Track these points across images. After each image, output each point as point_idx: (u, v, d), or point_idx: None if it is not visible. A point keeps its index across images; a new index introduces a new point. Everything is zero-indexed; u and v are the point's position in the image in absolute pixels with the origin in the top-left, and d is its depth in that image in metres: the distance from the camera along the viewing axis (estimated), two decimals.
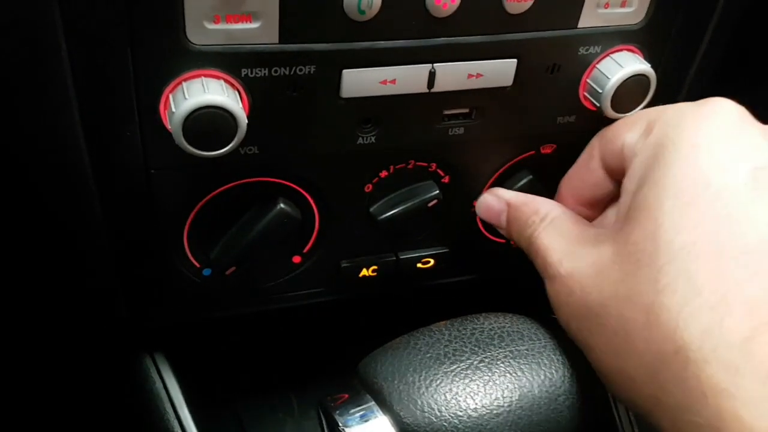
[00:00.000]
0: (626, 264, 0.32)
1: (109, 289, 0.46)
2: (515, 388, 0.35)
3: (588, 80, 0.43)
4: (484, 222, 0.51)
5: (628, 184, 0.36)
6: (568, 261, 0.36)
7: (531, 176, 0.48)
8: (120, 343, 0.53)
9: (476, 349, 0.36)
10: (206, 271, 0.46)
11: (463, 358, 0.35)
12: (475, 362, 0.35)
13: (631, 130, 0.39)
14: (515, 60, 0.41)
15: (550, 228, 0.39)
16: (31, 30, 0.34)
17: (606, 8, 0.41)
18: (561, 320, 0.36)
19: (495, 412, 0.33)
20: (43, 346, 0.61)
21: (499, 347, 0.36)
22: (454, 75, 0.40)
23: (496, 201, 0.45)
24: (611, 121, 0.43)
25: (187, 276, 0.45)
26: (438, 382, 0.35)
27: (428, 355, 0.36)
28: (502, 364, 0.35)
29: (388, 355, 0.37)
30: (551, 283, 0.37)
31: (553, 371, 0.36)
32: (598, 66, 0.42)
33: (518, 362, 0.35)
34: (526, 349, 0.36)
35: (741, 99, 0.37)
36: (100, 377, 0.61)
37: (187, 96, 0.35)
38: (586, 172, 0.43)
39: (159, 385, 0.50)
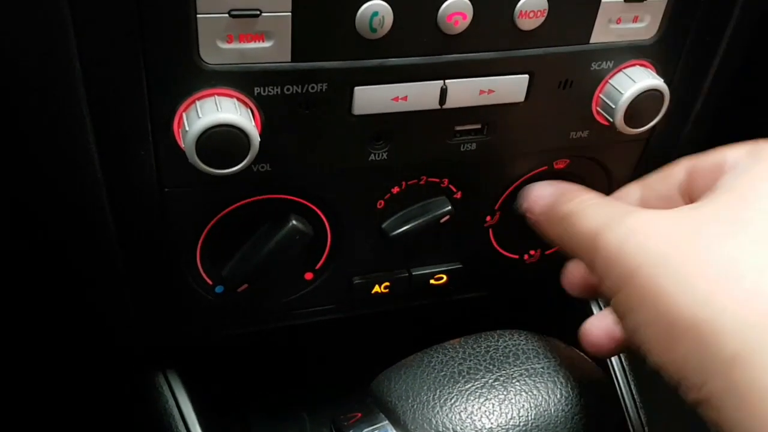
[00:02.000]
0: (730, 222, 0.31)
1: (122, 306, 0.46)
2: (531, 407, 0.34)
3: (601, 95, 0.43)
4: (497, 237, 0.51)
5: (724, 180, 0.34)
6: (638, 216, 0.34)
7: None
8: (132, 360, 0.53)
9: (491, 367, 0.36)
10: (219, 289, 0.46)
11: (478, 376, 0.35)
12: (490, 381, 0.35)
13: (733, 151, 0.37)
14: (527, 76, 0.41)
15: (601, 203, 0.37)
16: (45, 51, 0.34)
17: (618, 23, 0.41)
18: (623, 269, 0.32)
19: (511, 431, 0.33)
20: (56, 365, 0.61)
21: (515, 365, 0.36)
22: (465, 91, 0.40)
23: (544, 186, 0.43)
24: (624, 136, 0.43)
25: (199, 293, 0.45)
26: (453, 400, 0.34)
27: (442, 373, 0.36)
28: (517, 383, 0.35)
29: (402, 373, 0.37)
30: (613, 232, 0.33)
31: (569, 389, 0.35)
32: (610, 81, 0.42)
33: (534, 381, 0.35)
34: (542, 368, 0.36)
35: (756, 113, 0.37)
36: (113, 395, 0.61)
37: (200, 114, 0.35)
38: (660, 180, 0.41)
39: (171, 402, 0.50)
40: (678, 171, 0.40)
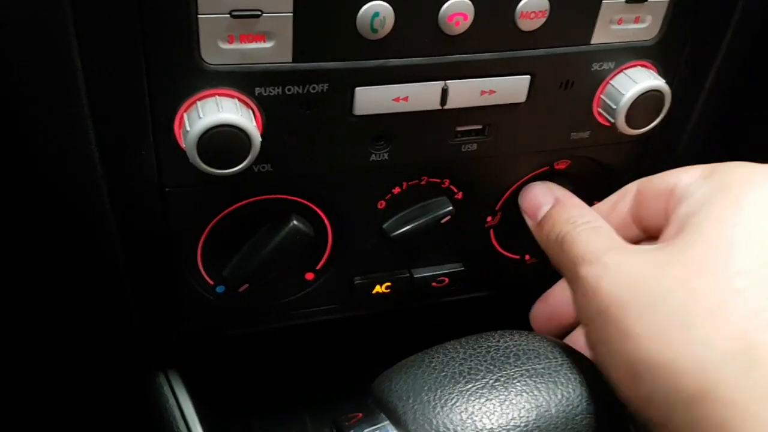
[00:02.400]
0: (692, 266, 0.32)
1: (123, 306, 0.46)
2: (532, 407, 0.34)
3: (602, 96, 0.43)
4: (498, 238, 0.51)
5: (682, 210, 0.35)
6: (616, 254, 0.35)
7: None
8: (134, 360, 0.53)
9: (492, 367, 0.35)
10: (220, 289, 0.46)
11: (479, 376, 0.35)
12: (491, 381, 0.35)
13: (686, 173, 0.37)
14: (528, 76, 0.41)
15: (592, 231, 0.38)
16: (46, 51, 0.34)
17: (619, 24, 0.41)
18: (596, 304, 0.34)
19: None
20: (57, 365, 0.61)
21: (515, 366, 0.35)
22: (466, 92, 0.40)
23: (545, 192, 0.44)
24: (625, 136, 0.43)
25: (200, 293, 0.45)
26: (453, 401, 0.34)
27: (443, 373, 0.36)
28: (518, 383, 0.35)
29: (403, 374, 0.37)
30: (592, 267, 0.35)
31: (570, 390, 0.35)
32: (611, 82, 0.42)
33: (535, 381, 0.35)
34: (543, 368, 0.35)
35: (757, 114, 0.37)
36: (114, 395, 0.61)
37: (201, 115, 0.35)
38: (610, 211, 0.42)
39: (172, 402, 0.50)
40: (629, 194, 0.42)
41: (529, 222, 0.45)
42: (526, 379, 0.35)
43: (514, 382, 0.35)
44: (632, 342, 0.32)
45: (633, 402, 0.33)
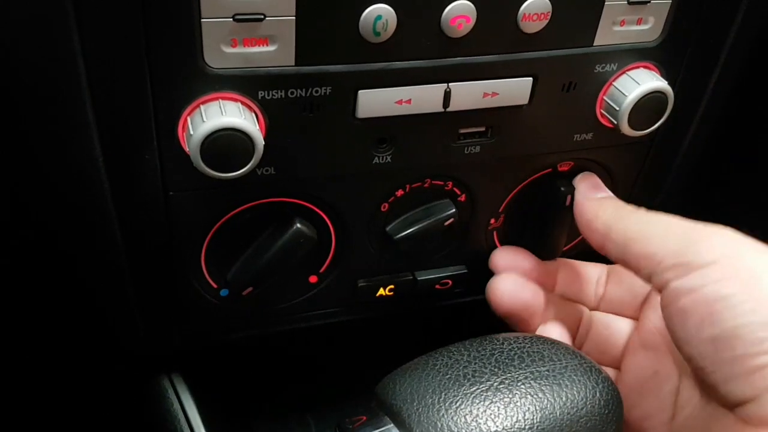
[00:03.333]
0: None
1: (127, 310, 0.46)
2: (537, 410, 0.34)
3: (605, 98, 0.43)
4: (501, 240, 0.51)
5: None
6: None
7: None
8: (138, 363, 0.53)
9: (496, 370, 0.35)
10: (223, 292, 0.46)
11: (483, 379, 0.35)
12: (496, 383, 0.35)
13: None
14: (531, 78, 0.41)
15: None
16: (50, 56, 0.35)
17: (622, 26, 0.41)
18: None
19: None
20: (61, 369, 0.61)
21: (520, 368, 0.35)
22: (469, 94, 0.40)
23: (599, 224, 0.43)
24: (628, 138, 0.43)
25: (204, 297, 0.46)
26: (458, 403, 0.34)
27: (447, 376, 0.36)
28: (522, 386, 0.35)
29: (407, 377, 0.37)
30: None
31: (575, 392, 0.35)
32: (614, 83, 0.42)
33: (539, 383, 0.35)
34: (547, 370, 0.35)
35: (760, 115, 0.37)
36: (118, 398, 0.61)
37: (205, 119, 0.35)
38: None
39: (176, 406, 0.50)
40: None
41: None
42: (531, 382, 0.35)
43: (519, 384, 0.35)
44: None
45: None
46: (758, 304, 0.33)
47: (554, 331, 0.45)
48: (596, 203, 0.44)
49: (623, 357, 0.45)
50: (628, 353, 0.45)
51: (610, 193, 0.45)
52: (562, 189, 0.46)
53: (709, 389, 0.36)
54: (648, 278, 0.38)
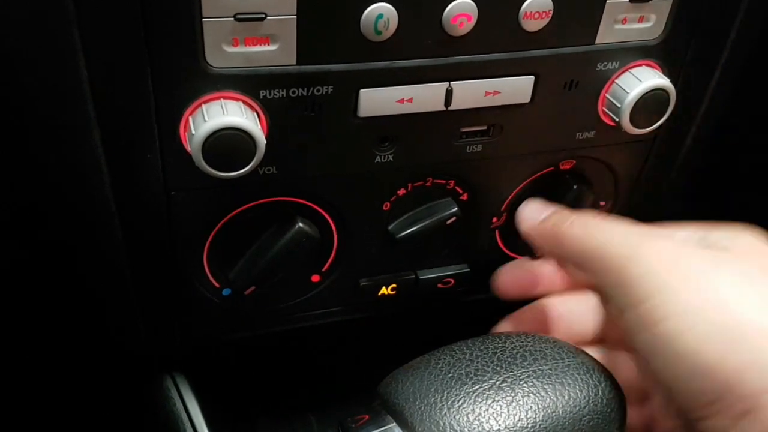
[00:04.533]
0: None
1: (129, 310, 0.46)
2: (539, 408, 0.34)
3: (607, 95, 0.43)
4: (503, 238, 0.50)
5: None
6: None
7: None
8: (140, 363, 0.53)
9: (498, 368, 0.35)
10: (226, 292, 0.46)
11: (486, 378, 0.35)
12: (498, 382, 0.35)
13: None
14: (533, 77, 0.41)
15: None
16: (51, 56, 0.35)
17: (624, 24, 0.41)
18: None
19: None
20: (64, 369, 0.62)
21: (522, 367, 0.35)
22: (471, 93, 0.40)
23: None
24: (630, 136, 0.43)
25: (207, 296, 0.46)
26: (460, 402, 0.34)
27: (450, 375, 0.36)
28: (525, 384, 0.35)
29: (409, 375, 0.37)
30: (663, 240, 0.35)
31: (577, 391, 0.35)
32: (616, 81, 0.42)
33: (541, 382, 0.35)
34: (549, 369, 0.35)
35: (762, 113, 0.37)
36: (121, 399, 0.61)
37: (206, 118, 0.35)
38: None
39: (179, 405, 0.50)
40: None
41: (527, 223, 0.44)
42: (533, 380, 0.35)
43: (521, 383, 0.35)
44: (730, 307, 0.32)
45: (715, 371, 0.31)
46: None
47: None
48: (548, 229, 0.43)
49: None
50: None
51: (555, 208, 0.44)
52: (574, 187, 0.47)
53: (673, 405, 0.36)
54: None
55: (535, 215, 0.44)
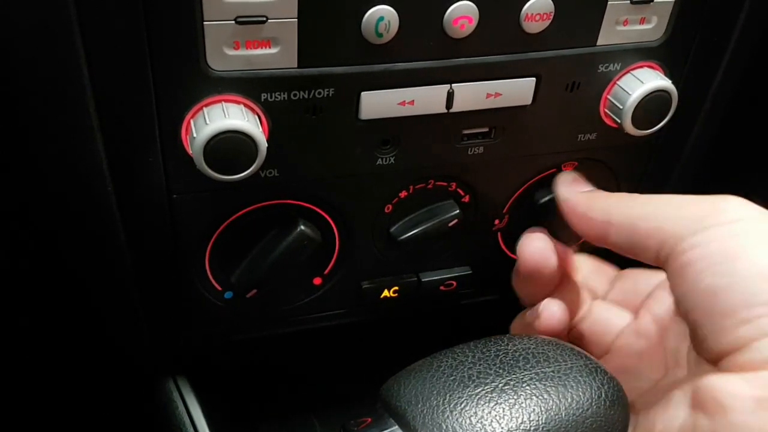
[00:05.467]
0: None
1: (131, 313, 0.46)
2: (542, 411, 0.34)
3: (608, 97, 0.43)
4: (506, 240, 0.50)
5: None
6: None
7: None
8: (142, 366, 0.53)
9: (501, 371, 0.35)
10: (228, 294, 0.46)
11: (488, 380, 0.35)
12: (500, 385, 0.35)
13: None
14: (534, 79, 0.41)
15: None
16: (53, 59, 0.35)
17: (625, 25, 0.41)
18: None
19: None
20: (66, 373, 0.62)
21: (525, 369, 0.35)
22: (472, 95, 0.40)
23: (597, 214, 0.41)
24: (632, 138, 0.43)
25: (208, 299, 0.46)
26: (463, 405, 0.34)
27: (452, 377, 0.36)
28: (528, 387, 0.34)
29: (411, 378, 0.37)
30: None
31: (580, 393, 0.35)
32: (618, 83, 0.42)
33: (544, 384, 0.35)
34: (552, 371, 0.35)
35: (764, 114, 0.37)
36: (123, 402, 0.61)
37: (208, 121, 0.35)
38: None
39: (181, 409, 0.50)
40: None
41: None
42: (536, 383, 0.35)
43: (524, 385, 0.35)
44: None
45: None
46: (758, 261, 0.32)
47: (556, 307, 0.45)
48: (585, 195, 0.43)
49: (613, 341, 0.45)
50: (619, 338, 0.45)
51: (593, 187, 0.44)
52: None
53: (699, 347, 0.35)
54: (656, 256, 0.36)
55: (575, 186, 0.43)
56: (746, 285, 0.32)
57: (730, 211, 0.35)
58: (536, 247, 0.44)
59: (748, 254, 0.33)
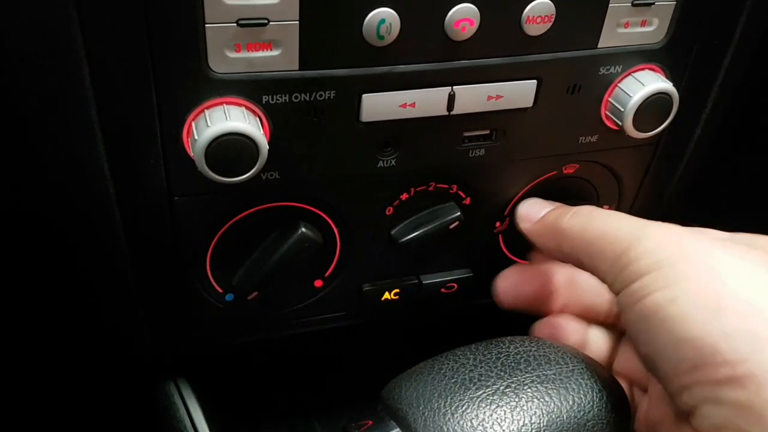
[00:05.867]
0: None
1: (132, 315, 0.46)
2: (543, 413, 0.34)
3: (610, 99, 0.43)
4: (507, 243, 0.50)
5: None
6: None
7: None
8: (143, 369, 0.53)
9: (502, 374, 0.35)
10: (229, 297, 0.46)
11: (489, 383, 0.35)
12: (502, 387, 0.35)
13: None
14: (535, 81, 0.41)
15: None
16: (54, 61, 0.35)
17: (626, 28, 0.41)
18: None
19: None
20: (67, 374, 0.62)
21: (526, 372, 0.35)
22: (473, 97, 0.40)
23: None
24: (633, 140, 0.43)
25: (210, 301, 0.46)
26: (464, 407, 0.34)
27: (453, 380, 0.36)
28: (529, 390, 0.34)
29: (413, 381, 0.37)
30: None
31: (582, 396, 0.35)
32: (619, 85, 0.42)
33: (546, 387, 0.35)
34: (554, 374, 0.35)
35: (765, 116, 0.37)
36: (124, 404, 0.61)
37: (209, 123, 0.35)
38: None
39: (182, 411, 0.50)
40: None
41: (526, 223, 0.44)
42: (537, 386, 0.35)
43: (525, 388, 0.35)
44: (720, 278, 0.32)
45: (703, 338, 0.31)
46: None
47: (568, 324, 0.45)
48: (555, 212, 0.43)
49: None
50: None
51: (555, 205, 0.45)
52: (577, 191, 0.47)
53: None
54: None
55: (534, 212, 0.44)
56: (669, 354, 0.32)
57: (643, 270, 0.34)
58: (510, 283, 0.46)
59: (665, 324, 0.32)
